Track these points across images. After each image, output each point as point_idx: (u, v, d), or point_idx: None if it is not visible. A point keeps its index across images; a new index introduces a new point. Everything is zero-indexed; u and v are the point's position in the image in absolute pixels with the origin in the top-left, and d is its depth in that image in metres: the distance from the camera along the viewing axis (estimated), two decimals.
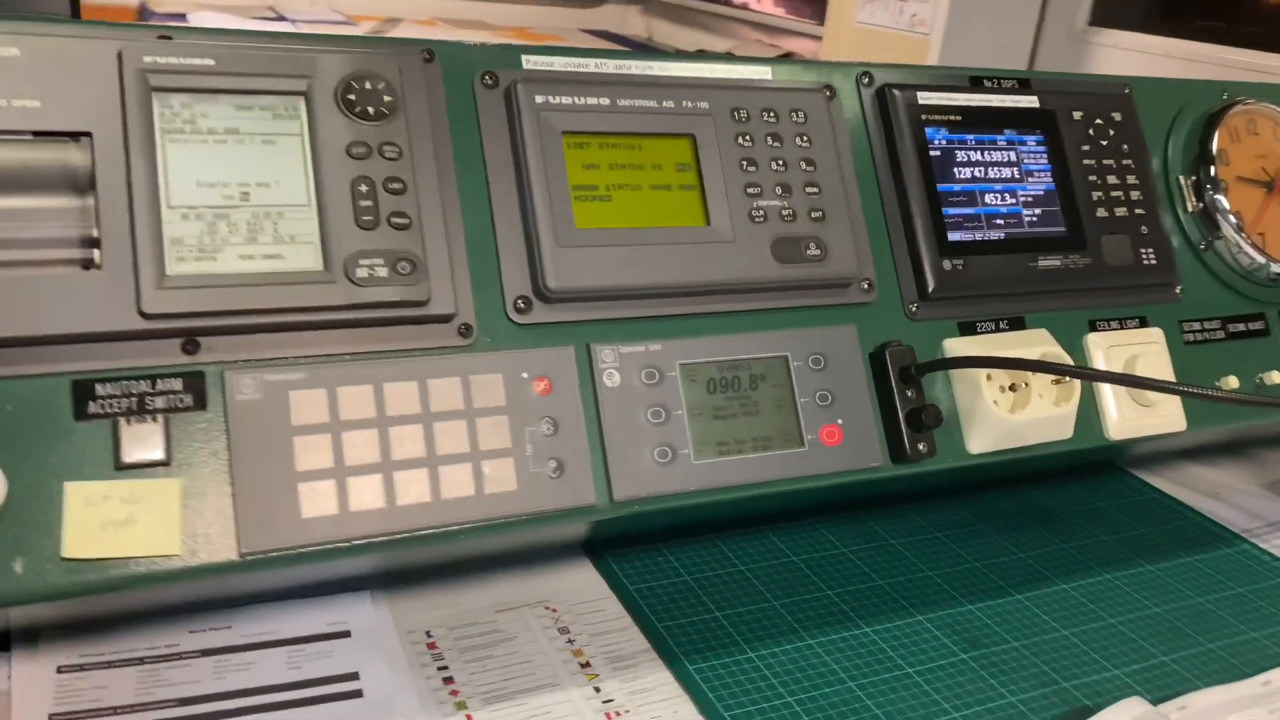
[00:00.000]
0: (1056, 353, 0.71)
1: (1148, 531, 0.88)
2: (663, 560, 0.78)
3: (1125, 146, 0.80)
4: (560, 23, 4.10)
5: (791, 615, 0.72)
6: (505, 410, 0.57)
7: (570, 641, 0.68)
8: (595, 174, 0.62)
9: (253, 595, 0.68)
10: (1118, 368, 0.75)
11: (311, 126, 0.55)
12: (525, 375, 0.58)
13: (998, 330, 0.73)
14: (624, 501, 0.59)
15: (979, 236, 0.73)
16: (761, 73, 0.70)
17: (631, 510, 0.60)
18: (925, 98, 0.74)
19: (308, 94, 0.55)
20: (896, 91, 0.73)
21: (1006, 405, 0.70)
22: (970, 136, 0.75)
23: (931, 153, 0.73)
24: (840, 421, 0.66)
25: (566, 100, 0.62)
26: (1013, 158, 0.76)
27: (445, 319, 0.57)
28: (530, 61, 0.63)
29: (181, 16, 3.08)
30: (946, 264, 0.71)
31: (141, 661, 0.62)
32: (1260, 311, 0.84)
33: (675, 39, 4.09)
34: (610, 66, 0.65)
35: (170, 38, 0.54)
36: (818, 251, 0.66)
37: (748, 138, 0.66)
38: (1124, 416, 0.75)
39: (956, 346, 0.71)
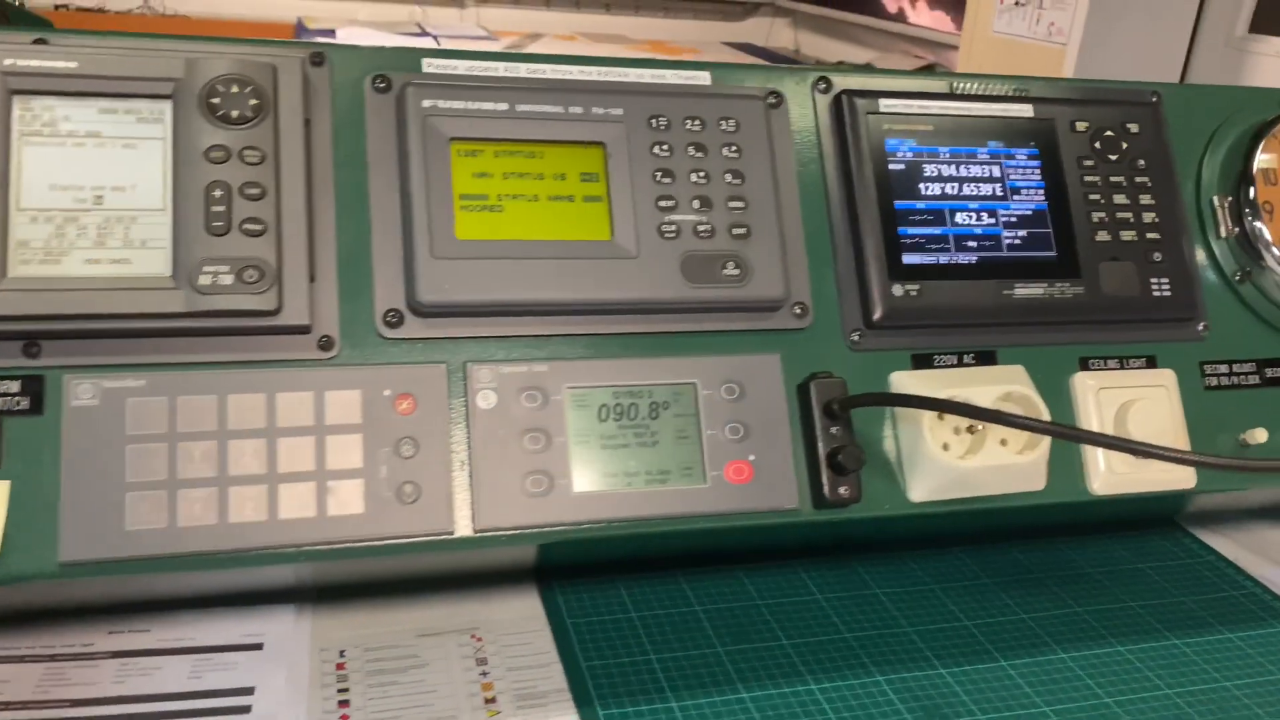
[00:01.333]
0: (1024, 393, 0.63)
1: (1188, 600, 0.77)
2: (614, 594, 0.74)
3: (1141, 162, 0.70)
4: (704, 36, 4.07)
5: (734, 664, 0.66)
6: (360, 429, 0.55)
7: (484, 674, 0.65)
8: (486, 183, 0.59)
9: (182, 600, 0.68)
10: (1109, 414, 0.66)
11: (175, 130, 0.54)
12: (387, 393, 0.55)
13: (960, 365, 0.65)
14: (487, 532, 0.56)
15: (943, 260, 0.65)
16: (697, 78, 0.65)
17: (497, 542, 0.56)
18: (889, 105, 0.67)
19: (174, 97, 0.54)
20: (855, 99, 0.66)
21: (960, 449, 0.62)
22: (943, 149, 0.67)
23: (892, 166, 0.66)
24: (752, 458, 0.60)
25: (458, 105, 0.59)
26: (995, 173, 0.68)
27: (301, 330, 0.54)
28: (431, 65, 0.60)
29: (331, 33, 3.23)
30: (897, 289, 0.64)
31: (53, 659, 0.63)
32: None
33: (823, 52, 4.01)
34: (523, 70, 0.62)
35: (46, 41, 0.54)
36: (736, 271, 0.60)
37: (665, 147, 0.61)
38: (1112, 469, 0.66)
39: (904, 382, 0.64)
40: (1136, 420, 0.66)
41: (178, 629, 0.66)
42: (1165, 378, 0.68)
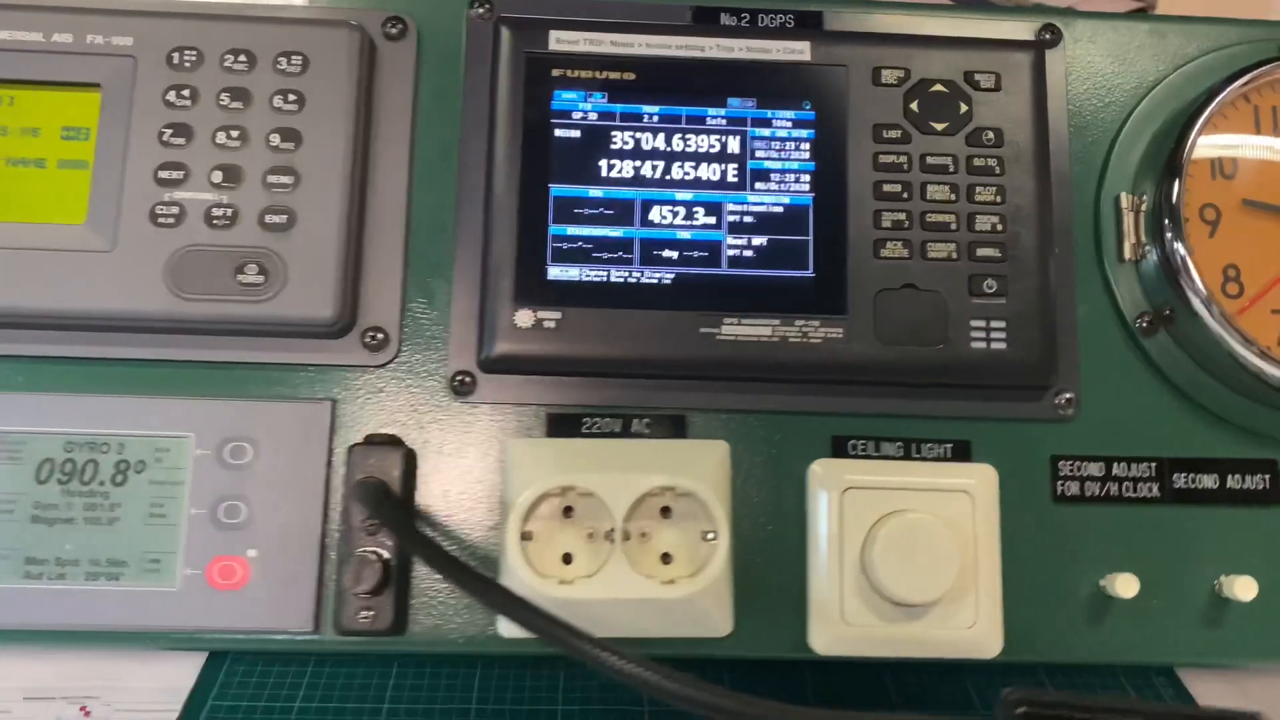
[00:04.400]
0: (692, 489, 0.41)
1: None
2: (297, 674, 0.57)
3: (990, 134, 0.45)
4: None
5: None
6: None
7: None
8: None
9: None
10: (856, 530, 0.42)
11: None
12: None
13: (626, 434, 0.43)
14: None
15: (616, 276, 0.43)
16: None
17: None
18: (566, 41, 0.45)
19: None
20: (513, 29, 0.45)
21: (584, 566, 0.41)
22: (650, 109, 0.45)
23: (558, 132, 0.44)
24: (253, 554, 0.41)
25: None
26: (733, 148, 0.45)
27: None
28: None
29: None
30: (524, 317, 0.42)
31: None
32: (1269, 458, 0.45)
33: None
34: None
35: None
36: (260, 278, 0.41)
37: (185, 93, 0.42)
38: (851, 620, 0.42)
39: (522, 454, 0.42)
40: (893, 547, 0.41)
41: None
42: (977, 479, 0.43)
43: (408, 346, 0.43)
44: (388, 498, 0.37)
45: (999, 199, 0.44)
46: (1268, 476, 0.44)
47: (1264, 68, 0.45)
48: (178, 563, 0.41)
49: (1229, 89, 0.45)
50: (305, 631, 0.41)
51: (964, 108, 0.45)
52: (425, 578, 0.42)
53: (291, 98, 0.43)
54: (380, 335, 0.43)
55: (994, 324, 0.43)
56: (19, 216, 0.42)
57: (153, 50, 0.43)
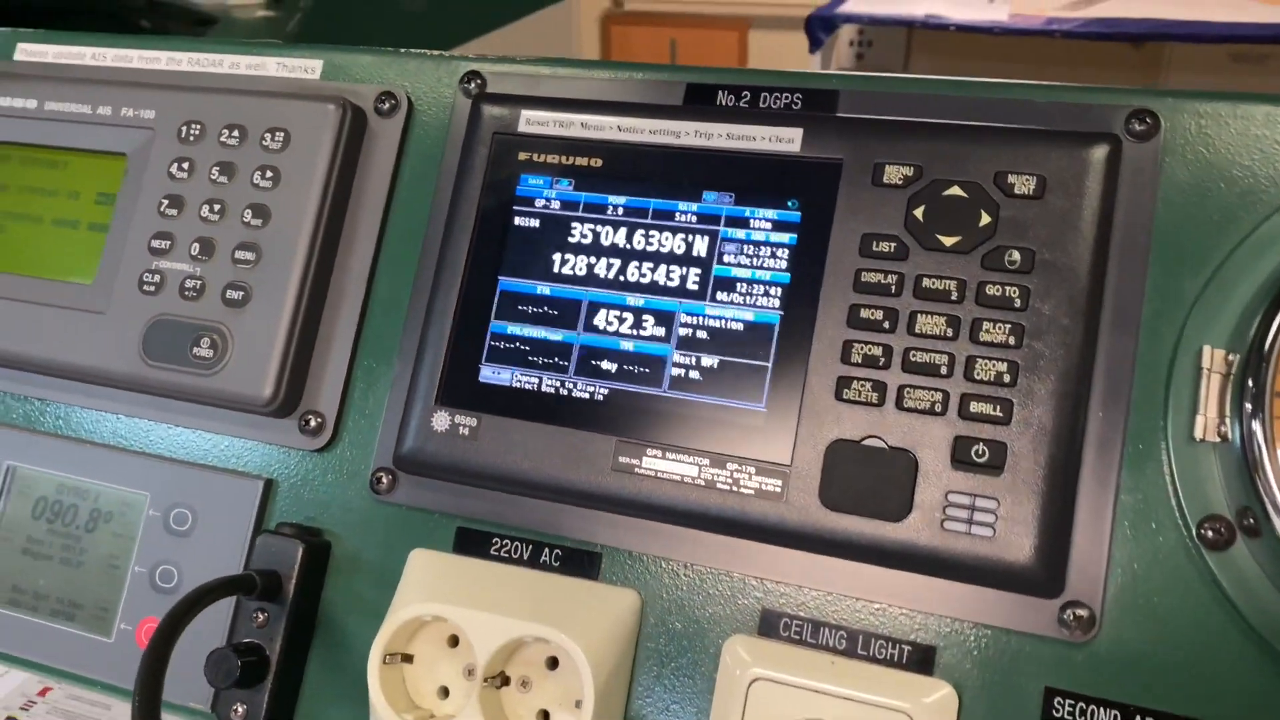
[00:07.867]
0: (568, 649, 0.36)
1: None
2: None
3: (1014, 255, 0.35)
4: None
5: None
6: None
7: None
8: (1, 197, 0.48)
9: None
10: None
11: None
12: None
13: (533, 563, 0.39)
14: None
15: (549, 384, 0.39)
16: (299, 68, 0.46)
17: None
18: (537, 121, 0.41)
19: None
20: (488, 108, 0.42)
21: (455, 703, 0.38)
22: (616, 199, 0.40)
23: (517, 220, 0.40)
24: None
25: None
26: (700, 249, 0.38)
27: None
28: (24, 52, 0.50)
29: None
30: (441, 419, 0.39)
31: None
32: None
33: None
34: (108, 58, 0.49)
35: None
36: (210, 352, 0.42)
37: (185, 166, 0.44)
38: None
39: (419, 570, 0.40)
40: None
41: None
42: (927, 699, 0.34)
43: (349, 434, 0.42)
44: (183, 614, 0.36)
45: (1013, 340, 0.34)
46: None
47: None
48: (117, 616, 0.43)
49: None
50: (204, 711, 0.41)
51: (985, 218, 0.35)
52: (320, 673, 0.40)
53: (269, 174, 0.43)
54: (318, 420, 0.42)
55: (980, 503, 0.34)
56: (45, 272, 0.46)
57: (169, 123, 0.45)
